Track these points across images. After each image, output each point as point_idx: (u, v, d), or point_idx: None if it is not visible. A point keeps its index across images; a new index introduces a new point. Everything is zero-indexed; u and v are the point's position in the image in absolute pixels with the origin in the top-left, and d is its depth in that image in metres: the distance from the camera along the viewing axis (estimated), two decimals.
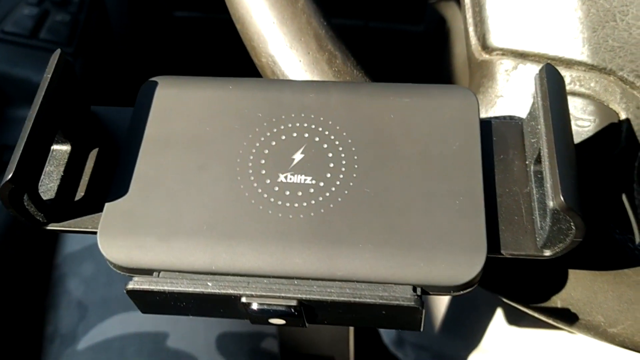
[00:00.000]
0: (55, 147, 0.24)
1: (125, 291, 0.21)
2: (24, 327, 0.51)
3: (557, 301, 0.25)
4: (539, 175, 0.23)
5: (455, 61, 0.71)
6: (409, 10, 0.73)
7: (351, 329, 0.37)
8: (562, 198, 0.20)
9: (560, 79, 0.23)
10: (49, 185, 0.23)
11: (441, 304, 0.50)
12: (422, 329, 0.22)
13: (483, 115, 0.28)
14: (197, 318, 0.46)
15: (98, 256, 0.49)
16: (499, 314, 0.47)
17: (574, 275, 0.25)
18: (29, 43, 0.64)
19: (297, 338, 0.38)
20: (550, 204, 0.20)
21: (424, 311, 0.21)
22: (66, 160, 0.24)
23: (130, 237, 0.22)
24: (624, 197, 0.26)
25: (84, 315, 0.47)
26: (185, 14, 0.77)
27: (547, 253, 0.22)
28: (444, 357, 0.50)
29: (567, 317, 0.25)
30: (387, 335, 0.55)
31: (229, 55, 0.79)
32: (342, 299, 0.21)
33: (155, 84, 0.25)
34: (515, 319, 0.46)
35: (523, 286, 0.26)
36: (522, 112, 0.27)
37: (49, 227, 0.23)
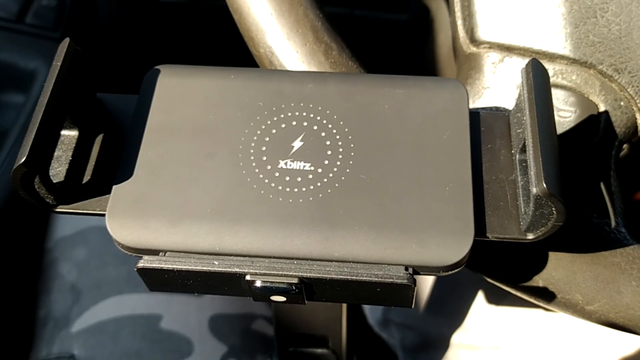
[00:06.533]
0: (63, 132, 0.25)
1: (135, 269, 0.22)
2: (15, 311, 0.52)
3: (539, 281, 0.27)
4: (524, 164, 0.24)
5: (438, 50, 0.73)
6: None
7: (344, 310, 0.39)
8: (544, 185, 0.21)
9: (545, 73, 0.24)
10: (58, 169, 0.24)
11: (425, 284, 0.52)
12: (412, 306, 0.23)
13: (470, 105, 0.29)
14: (190, 300, 0.47)
15: (90, 240, 0.50)
16: (481, 294, 0.48)
17: (554, 256, 0.27)
18: (14, 28, 0.64)
19: (292, 318, 0.39)
20: (534, 190, 0.21)
21: (415, 288, 0.22)
22: (74, 145, 0.25)
23: (138, 219, 0.23)
24: (601, 184, 0.28)
25: (77, 298, 0.47)
26: (170, 0, 0.77)
27: (530, 236, 0.23)
28: (428, 336, 0.52)
29: (548, 296, 0.27)
30: (372, 316, 0.56)
31: (213, 41, 0.79)
32: (340, 277, 0.22)
33: (159, 72, 0.26)
34: (496, 298, 0.48)
35: (507, 267, 0.27)
36: (507, 102, 0.28)
37: (57, 209, 0.24)
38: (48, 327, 0.47)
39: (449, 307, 0.50)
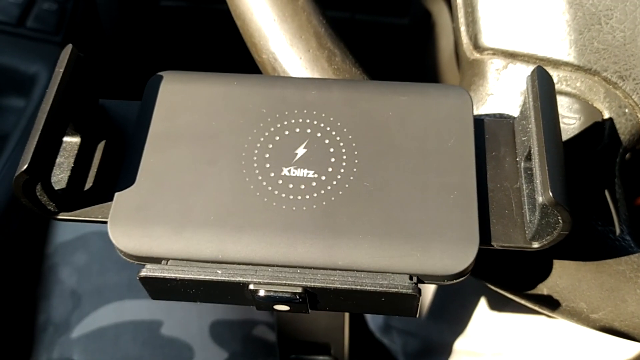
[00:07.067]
0: (65, 138, 0.25)
1: (137, 278, 0.22)
2: (15, 316, 0.52)
3: (544, 289, 0.27)
4: (529, 172, 0.24)
5: (439, 54, 0.73)
6: (394, 3, 0.74)
7: (347, 317, 0.39)
8: (550, 194, 0.21)
9: (551, 81, 0.24)
10: (60, 176, 0.24)
11: (428, 291, 0.51)
12: (417, 315, 0.23)
13: (474, 112, 0.29)
14: (191, 307, 0.47)
15: (90, 245, 0.50)
16: (483, 300, 0.48)
17: (559, 264, 0.26)
18: (15, 32, 0.63)
19: (294, 325, 0.39)
20: (540, 199, 0.21)
21: (420, 298, 0.22)
22: (76, 151, 0.24)
23: (141, 227, 0.23)
24: (605, 191, 0.27)
25: (77, 304, 0.47)
26: (171, 4, 0.77)
27: (536, 245, 0.23)
28: (430, 342, 0.52)
29: (552, 304, 0.27)
30: (373, 321, 0.56)
31: (215, 46, 0.79)
32: (345, 286, 0.22)
33: (162, 78, 0.26)
34: (498, 305, 0.48)
35: (512, 275, 0.27)
36: (511, 109, 0.28)
37: (59, 217, 0.24)
38: (48, 333, 0.47)
39: (451, 314, 0.50)
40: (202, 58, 0.81)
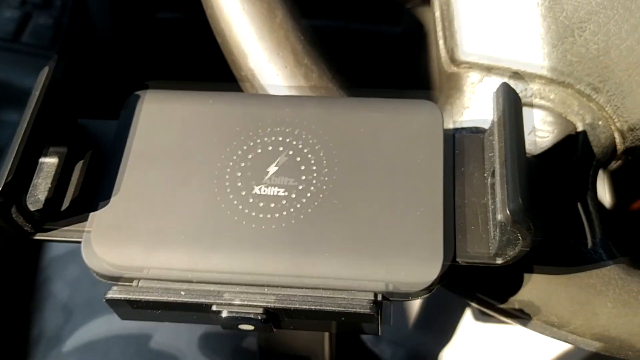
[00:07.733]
0: (43, 159, 0.25)
1: (104, 300, 0.22)
2: (8, 329, 0.52)
3: (515, 303, 0.27)
4: (495, 188, 0.24)
5: (432, 63, 0.73)
6: (387, 12, 0.75)
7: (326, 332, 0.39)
8: (508, 212, 0.21)
9: (517, 97, 0.24)
10: (37, 197, 0.24)
11: (416, 302, 0.51)
12: (380, 334, 0.23)
13: (451, 125, 0.29)
14: None
15: (82, 259, 0.50)
16: (470, 311, 0.48)
17: (530, 278, 0.26)
18: (11, 47, 0.64)
19: (273, 340, 0.39)
20: (499, 216, 0.21)
21: (379, 317, 0.22)
22: (53, 172, 0.25)
23: (113, 248, 0.23)
24: (578, 204, 0.28)
25: (69, 317, 0.47)
26: (168, 16, 0.77)
27: (499, 261, 0.23)
28: (418, 353, 0.52)
29: (524, 318, 0.27)
30: None
31: (210, 56, 0.79)
32: (304, 306, 0.22)
33: (138, 97, 0.26)
34: (485, 316, 0.48)
35: (484, 289, 0.27)
36: (487, 123, 0.28)
37: (36, 237, 0.24)
38: (40, 346, 0.47)
39: (439, 325, 0.50)
40: (198, 70, 0.82)
